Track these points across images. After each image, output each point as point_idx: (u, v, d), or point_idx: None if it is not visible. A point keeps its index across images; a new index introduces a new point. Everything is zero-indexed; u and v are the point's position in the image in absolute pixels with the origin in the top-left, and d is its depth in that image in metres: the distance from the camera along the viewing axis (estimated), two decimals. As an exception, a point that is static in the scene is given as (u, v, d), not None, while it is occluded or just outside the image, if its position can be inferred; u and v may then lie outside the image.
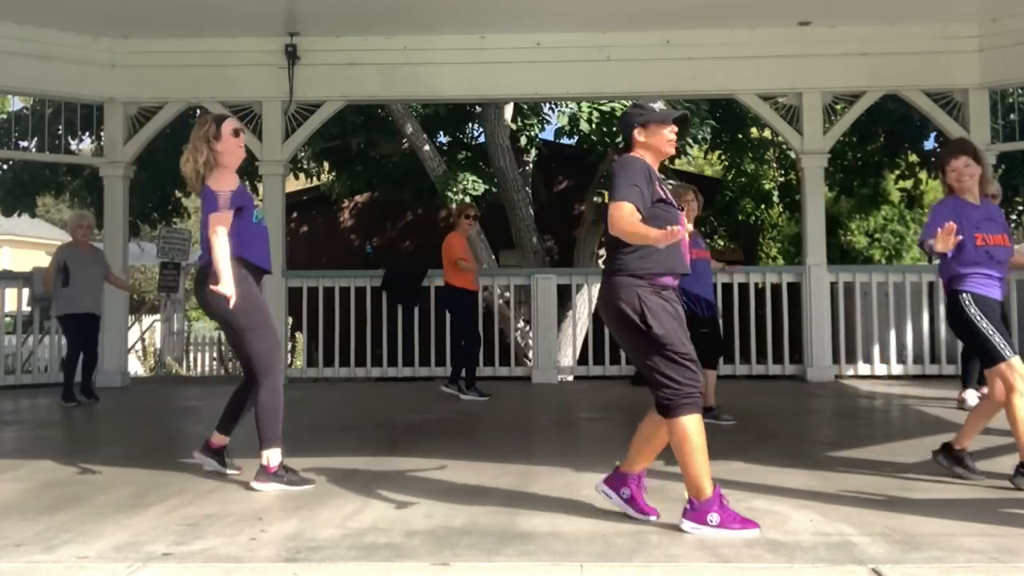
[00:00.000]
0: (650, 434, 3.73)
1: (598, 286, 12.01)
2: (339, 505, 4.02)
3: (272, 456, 4.46)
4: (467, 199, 11.67)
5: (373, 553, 3.31)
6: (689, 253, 6.51)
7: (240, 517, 3.83)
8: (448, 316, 8.73)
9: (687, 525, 3.54)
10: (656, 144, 3.72)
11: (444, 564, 3.18)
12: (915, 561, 3.17)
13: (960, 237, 4.22)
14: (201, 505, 4.05)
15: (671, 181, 6.82)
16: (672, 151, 3.79)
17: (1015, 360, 4.25)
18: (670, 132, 3.73)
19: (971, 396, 7.13)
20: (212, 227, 4.40)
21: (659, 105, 3.75)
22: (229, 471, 4.71)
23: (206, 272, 4.50)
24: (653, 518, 3.71)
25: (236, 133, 4.62)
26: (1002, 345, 4.28)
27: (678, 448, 3.56)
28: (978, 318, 4.33)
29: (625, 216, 3.52)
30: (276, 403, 4.51)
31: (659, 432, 3.69)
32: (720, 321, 6.91)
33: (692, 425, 3.54)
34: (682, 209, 3.77)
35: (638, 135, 3.72)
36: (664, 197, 3.66)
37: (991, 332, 4.29)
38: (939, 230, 4.13)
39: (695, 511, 3.54)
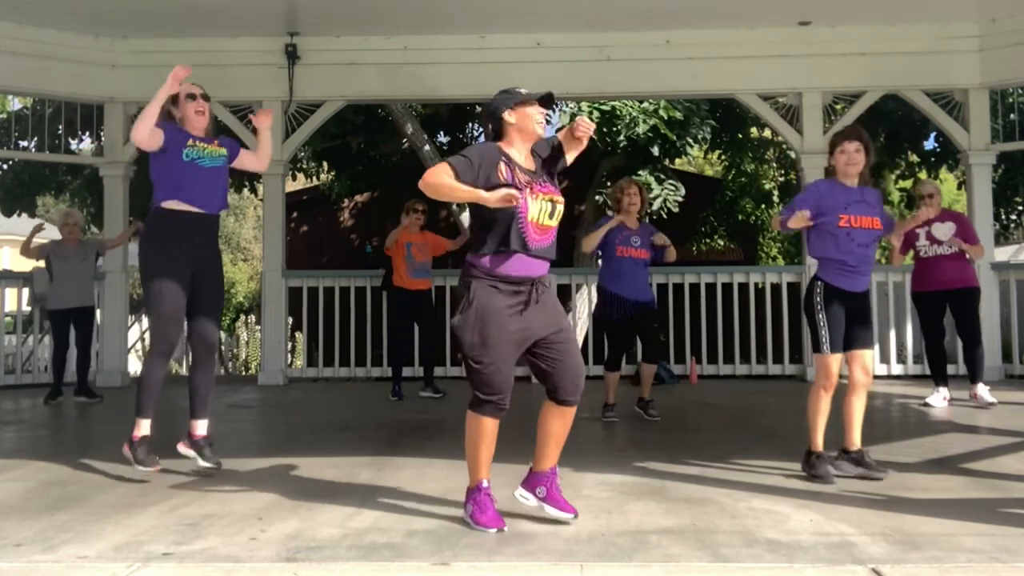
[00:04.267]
0: (546, 428, 3.80)
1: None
2: (339, 505, 4.01)
3: (140, 426, 4.62)
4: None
5: (373, 553, 3.31)
6: (619, 250, 6.58)
7: (240, 517, 3.83)
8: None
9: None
10: (525, 125, 3.75)
11: (444, 564, 3.18)
12: (915, 561, 3.16)
13: (811, 223, 4.58)
14: (201, 505, 4.05)
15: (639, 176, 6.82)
16: (541, 131, 3.81)
17: (833, 357, 4.54)
18: (537, 112, 3.76)
19: (983, 391, 7.17)
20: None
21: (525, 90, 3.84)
22: (205, 464, 4.71)
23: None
24: (570, 516, 3.70)
25: (191, 96, 4.73)
26: (826, 339, 4.52)
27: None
28: (819, 307, 4.56)
29: (435, 170, 3.62)
30: (152, 376, 4.65)
31: (555, 424, 3.79)
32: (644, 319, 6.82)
33: (472, 422, 3.69)
34: (551, 202, 3.72)
35: (508, 117, 3.75)
36: (510, 181, 3.64)
37: (823, 325, 4.54)
38: (798, 212, 4.53)
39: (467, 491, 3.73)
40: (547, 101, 3.79)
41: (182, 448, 4.79)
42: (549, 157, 3.85)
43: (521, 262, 3.64)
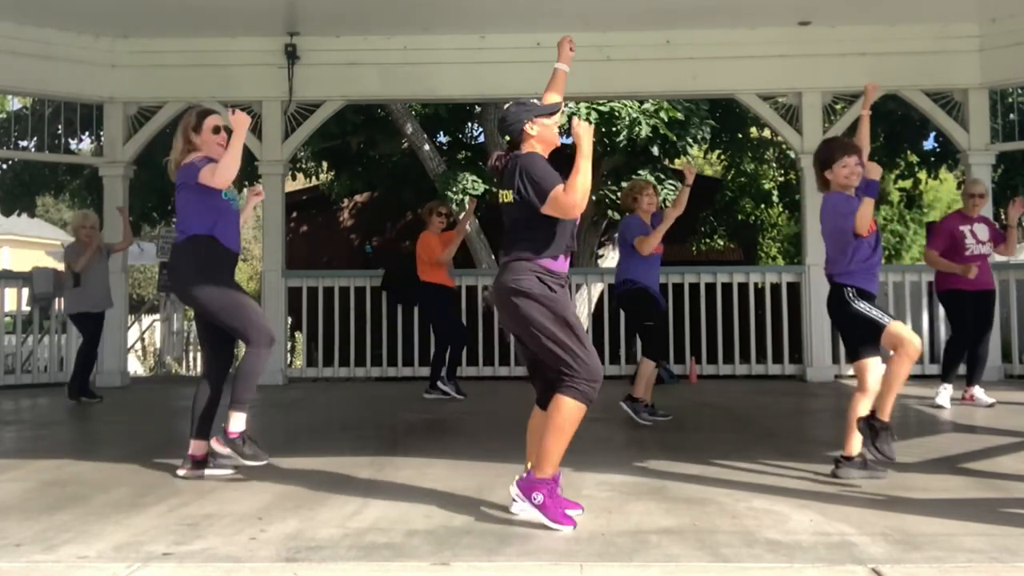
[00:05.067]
0: (541, 430, 3.80)
1: (598, 285, 12.04)
2: (339, 505, 4.02)
3: (237, 420, 4.53)
4: (466, 199, 11.66)
5: (373, 553, 3.31)
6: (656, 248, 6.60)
7: (240, 517, 3.83)
8: (420, 313, 8.86)
9: (513, 490, 3.70)
10: (547, 136, 3.83)
11: (444, 564, 3.18)
12: (915, 561, 3.16)
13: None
14: (201, 505, 4.05)
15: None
16: (558, 142, 3.90)
17: (899, 323, 4.59)
18: (555, 124, 3.86)
19: (979, 392, 7.19)
20: (204, 177, 4.50)
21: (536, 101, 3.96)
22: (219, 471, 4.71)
23: (178, 251, 4.65)
24: (579, 511, 3.76)
25: (216, 130, 4.68)
26: (880, 314, 4.58)
27: (552, 422, 3.66)
28: (856, 301, 4.61)
29: (564, 190, 3.61)
30: (257, 368, 4.61)
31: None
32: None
33: (573, 412, 3.65)
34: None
35: (529, 129, 3.80)
36: None
37: (869, 308, 4.60)
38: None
39: (526, 482, 3.67)
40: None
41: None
42: None
43: (566, 261, 3.79)
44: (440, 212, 8.22)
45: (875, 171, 4.56)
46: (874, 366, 4.65)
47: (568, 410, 3.65)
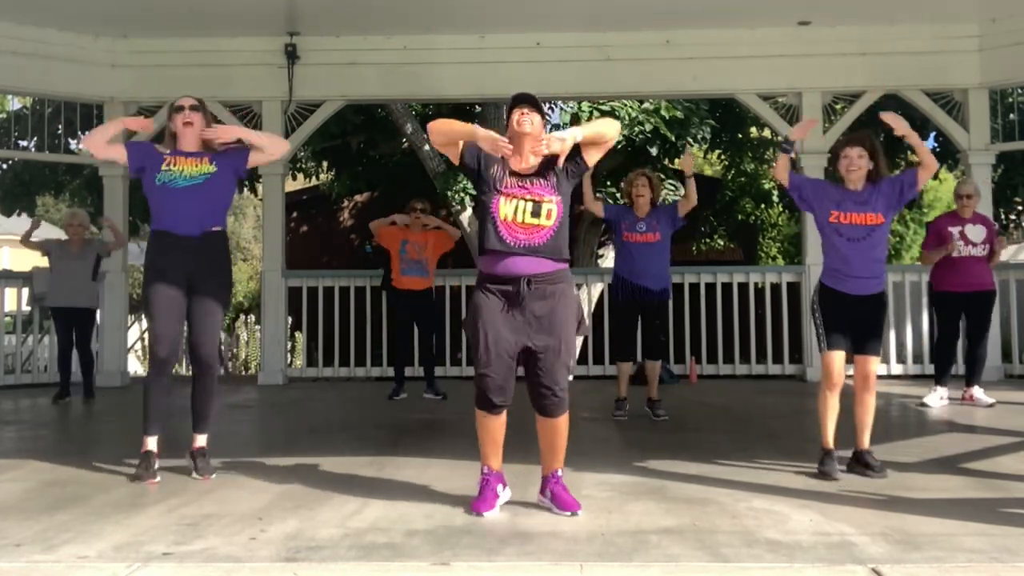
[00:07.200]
0: (538, 434, 3.96)
1: (598, 286, 12.02)
2: (339, 505, 4.02)
3: (143, 442, 4.66)
4: (467, 199, 11.67)
5: (373, 553, 3.31)
6: (625, 236, 6.71)
7: (240, 517, 3.83)
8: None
9: None
10: (511, 130, 3.91)
11: (444, 564, 3.18)
12: (915, 561, 3.17)
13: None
14: (201, 505, 4.06)
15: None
16: (522, 128, 3.89)
17: (831, 355, 4.63)
18: (516, 114, 3.91)
19: (979, 393, 7.21)
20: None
21: None
22: (196, 476, 4.68)
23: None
24: (569, 512, 3.83)
25: (178, 109, 4.71)
26: (823, 338, 4.65)
27: None
28: (815, 308, 4.72)
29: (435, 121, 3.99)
30: (149, 395, 4.79)
31: (541, 431, 3.94)
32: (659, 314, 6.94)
33: (477, 416, 3.92)
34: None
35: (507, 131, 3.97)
36: (491, 183, 3.82)
37: (819, 324, 4.68)
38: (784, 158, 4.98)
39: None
40: (520, 100, 3.92)
41: (187, 458, 4.80)
42: (554, 157, 3.88)
43: (503, 260, 3.77)
44: (414, 208, 8.26)
45: (799, 132, 5.17)
46: (833, 360, 4.67)
47: (476, 415, 3.91)
